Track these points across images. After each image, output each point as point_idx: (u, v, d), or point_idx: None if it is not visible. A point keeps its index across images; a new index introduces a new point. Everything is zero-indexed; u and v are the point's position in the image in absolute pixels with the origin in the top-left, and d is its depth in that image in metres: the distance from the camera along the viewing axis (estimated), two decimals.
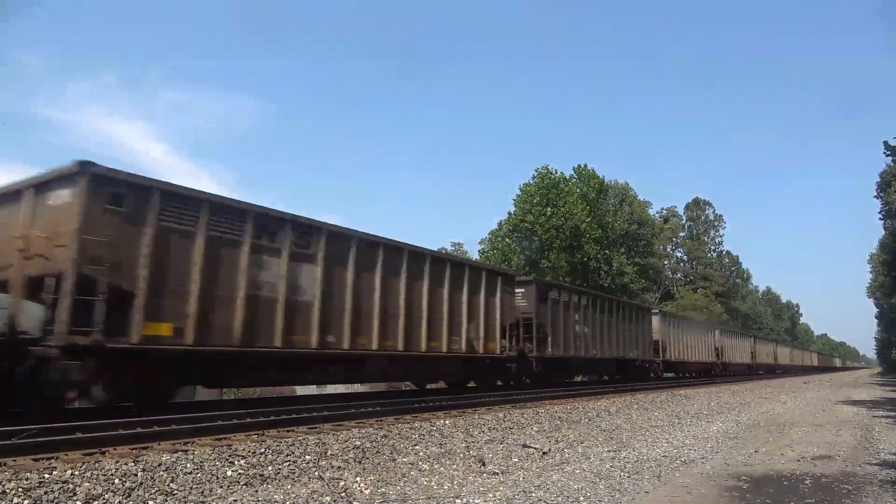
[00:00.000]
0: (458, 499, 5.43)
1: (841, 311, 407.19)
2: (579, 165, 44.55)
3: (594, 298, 22.44)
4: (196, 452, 6.27)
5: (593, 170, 44.34)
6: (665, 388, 22.41)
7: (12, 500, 4.55)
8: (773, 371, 54.02)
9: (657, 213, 68.40)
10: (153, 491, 5.14)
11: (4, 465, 5.37)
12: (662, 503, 5.61)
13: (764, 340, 55.89)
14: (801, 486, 6.36)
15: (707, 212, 79.60)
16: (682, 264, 72.50)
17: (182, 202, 8.87)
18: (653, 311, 28.55)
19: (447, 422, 9.83)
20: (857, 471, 7.24)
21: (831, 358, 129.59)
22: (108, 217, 8.00)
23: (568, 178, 42.46)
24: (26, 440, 6.09)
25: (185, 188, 9.10)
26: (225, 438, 7.34)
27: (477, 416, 10.79)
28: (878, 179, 36.38)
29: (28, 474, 5.01)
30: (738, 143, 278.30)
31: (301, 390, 17.64)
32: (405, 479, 6.25)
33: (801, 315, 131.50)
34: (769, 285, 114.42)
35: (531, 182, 41.17)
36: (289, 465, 6.35)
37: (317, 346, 10.67)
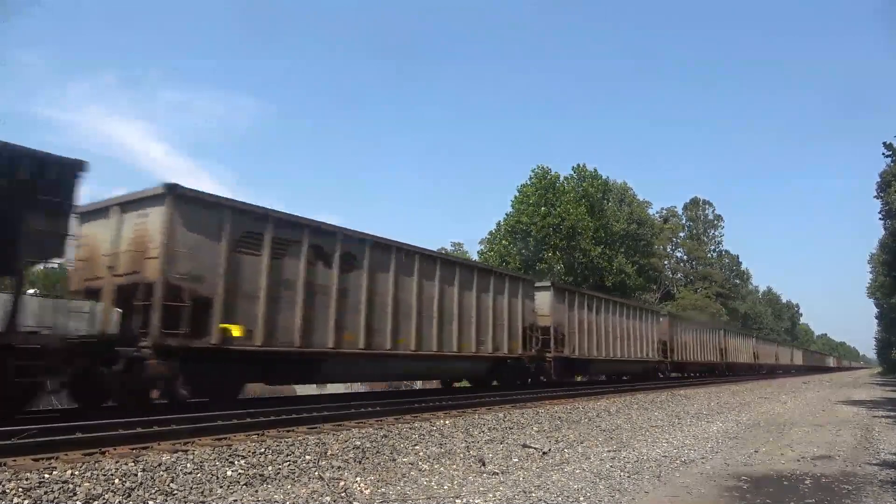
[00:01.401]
0: (458, 499, 5.42)
1: (841, 311, 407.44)
2: (578, 165, 44.65)
3: None
4: (196, 452, 6.27)
5: (595, 169, 44.47)
6: (665, 388, 22.41)
7: (12, 500, 4.55)
8: (722, 373, 39.17)
9: (657, 213, 68.46)
10: (153, 491, 5.14)
11: (4, 465, 5.37)
12: (662, 503, 5.61)
13: (705, 327, 37.88)
14: (801, 486, 6.36)
15: (706, 211, 79.62)
16: (682, 264, 72.50)
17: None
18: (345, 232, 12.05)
19: (447, 422, 9.83)
20: (857, 471, 7.24)
21: (823, 357, 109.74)
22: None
23: (565, 178, 42.53)
24: (26, 440, 6.09)
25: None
26: (225, 438, 7.34)
27: (477, 416, 10.79)
28: (878, 179, 36.37)
29: (28, 474, 5.01)
30: (738, 143, 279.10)
31: (301, 390, 17.63)
32: (405, 479, 6.25)
33: (801, 315, 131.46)
34: (769, 285, 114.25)
35: (528, 183, 41.20)
36: (289, 465, 6.35)
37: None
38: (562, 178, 42.65)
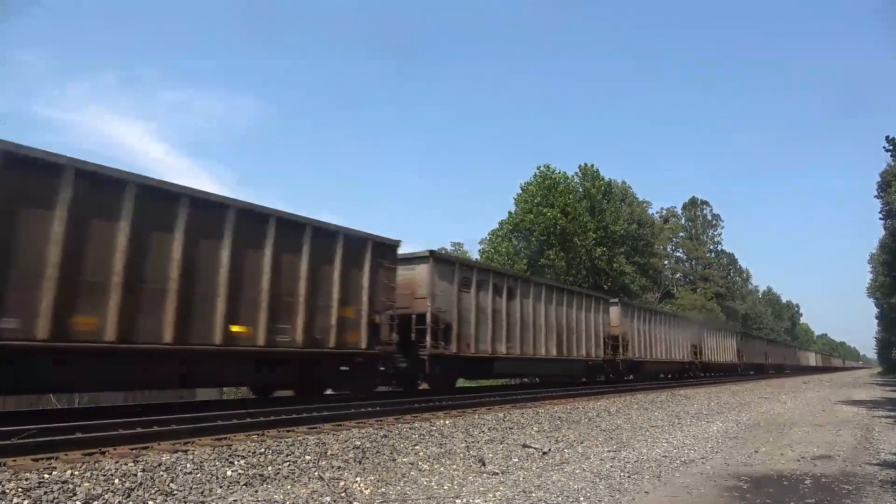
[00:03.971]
0: (458, 499, 5.42)
1: (841, 311, 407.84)
2: (584, 165, 44.65)
3: None
4: (196, 452, 6.27)
5: (598, 170, 44.47)
6: (665, 388, 22.41)
7: (12, 501, 4.55)
8: (696, 375, 32.48)
9: (657, 213, 68.57)
10: (153, 491, 5.14)
11: (4, 465, 5.37)
12: (662, 503, 5.61)
13: (674, 320, 30.49)
14: (801, 486, 6.36)
15: (704, 211, 79.66)
16: (681, 264, 72.52)
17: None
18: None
19: (447, 422, 9.83)
20: (857, 471, 7.24)
21: (797, 352, 78.14)
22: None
23: (569, 176, 42.54)
24: (26, 440, 6.09)
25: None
26: (225, 438, 7.34)
27: (477, 416, 10.79)
28: (879, 179, 36.45)
29: (28, 474, 5.01)
30: (737, 143, 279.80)
31: None
32: (405, 479, 6.25)
33: (801, 315, 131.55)
34: (769, 285, 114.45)
35: (532, 181, 41.16)
36: (289, 465, 6.35)
37: None
38: (570, 175, 42.71)
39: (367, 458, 7.07)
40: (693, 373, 32.36)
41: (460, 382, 17.71)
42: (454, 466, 6.97)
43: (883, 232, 39.02)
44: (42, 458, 5.70)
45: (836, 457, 8.28)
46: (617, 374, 23.51)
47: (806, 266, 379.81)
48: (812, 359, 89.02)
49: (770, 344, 57.48)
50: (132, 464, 5.60)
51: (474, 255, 44.31)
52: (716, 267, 76.27)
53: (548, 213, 38.55)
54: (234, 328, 9.51)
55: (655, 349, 26.98)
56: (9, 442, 5.95)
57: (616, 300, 24.46)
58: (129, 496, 4.96)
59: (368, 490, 5.66)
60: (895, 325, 62.84)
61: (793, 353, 73.68)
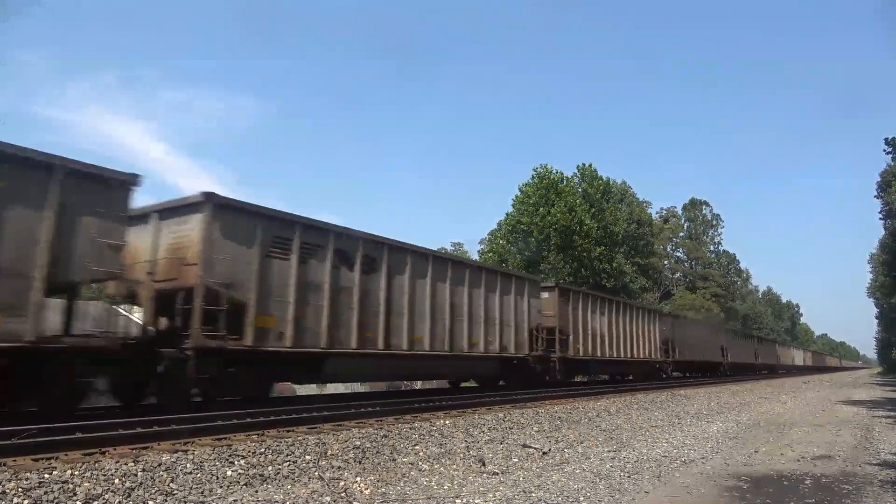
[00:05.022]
0: (458, 499, 5.42)
1: (841, 311, 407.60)
2: (582, 165, 44.62)
3: None
4: (196, 452, 6.27)
5: (596, 170, 44.46)
6: (665, 388, 22.41)
7: (12, 501, 4.55)
8: (553, 379, 18.94)
9: (657, 213, 68.59)
10: (153, 491, 5.14)
11: (4, 465, 5.37)
12: (662, 503, 5.61)
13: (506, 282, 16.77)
14: (802, 486, 6.36)
15: (704, 212, 79.62)
16: (681, 264, 72.48)
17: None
18: None
19: (447, 422, 9.83)
20: (857, 471, 7.24)
21: (777, 349, 60.85)
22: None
23: (568, 177, 42.52)
24: (26, 440, 6.09)
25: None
26: (225, 438, 7.34)
27: (477, 416, 10.79)
28: (879, 179, 36.42)
29: (28, 474, 5.01)
30: (737, 143, 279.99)
31: (301, 390, 17.63)
32: (405, 479, 6.25)
33: (801, 315, 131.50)
34: (769, 285, 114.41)
35: (530, 182, 41.16)
36: (289, 465, 6.35)
37: None
38: (569, 175, 42.68)
39: (367, 458, 7.07)
40: (551, 375, 19.07)
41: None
42: (454, 466, 6.98)
43: (883, 232, 39.00)
44: (42, 458, 5.70)
45: (836, 457, 8.28)
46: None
47: (806, 266, 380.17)
48: (800, 358, 73.66)
49: (734, 336, 43.48)
50: (132, 464, 5.60)
51: (474, 256, 44.31)
52: (716, 267, 76.24)
53: (544, 213, 38.50)
54: None
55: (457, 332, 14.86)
56: (9, 442, 5.96)
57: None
58: (129, 496, 4.96)
59: (368, 490, 5.66)
60: (895, 325, 62.82)
61: (770, 350, 56.76)
